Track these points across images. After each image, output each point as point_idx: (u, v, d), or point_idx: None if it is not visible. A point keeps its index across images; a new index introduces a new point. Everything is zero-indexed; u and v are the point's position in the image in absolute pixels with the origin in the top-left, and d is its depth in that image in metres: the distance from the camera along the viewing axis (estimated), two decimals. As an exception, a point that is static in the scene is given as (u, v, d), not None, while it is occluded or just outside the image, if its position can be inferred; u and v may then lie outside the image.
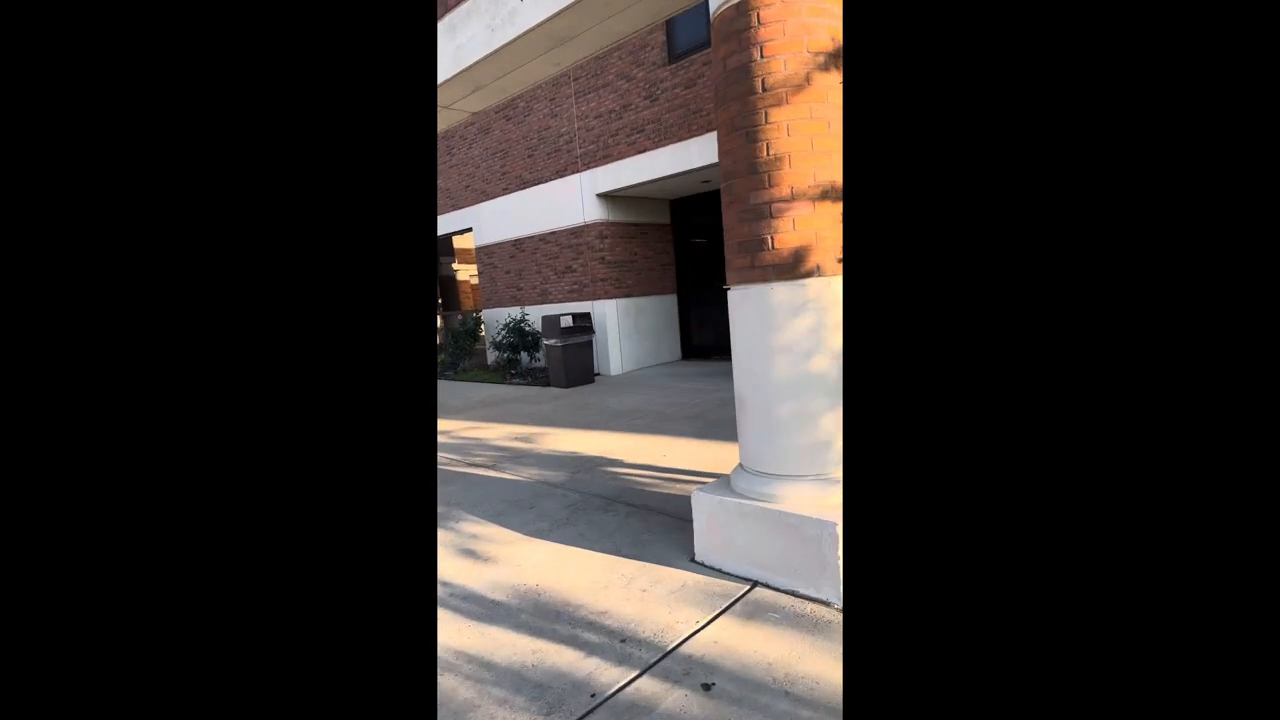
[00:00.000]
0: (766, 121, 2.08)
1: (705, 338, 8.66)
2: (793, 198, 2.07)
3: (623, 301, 8.09)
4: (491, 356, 9.44)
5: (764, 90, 2.07)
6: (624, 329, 8.10)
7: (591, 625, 2.04)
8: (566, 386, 7.14)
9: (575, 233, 8.16)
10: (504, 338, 8.51)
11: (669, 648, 1.86)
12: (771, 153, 2.08)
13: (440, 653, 1.96)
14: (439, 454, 4.61)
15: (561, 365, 7.15)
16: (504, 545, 2.78)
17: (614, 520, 2.92)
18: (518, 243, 9.11)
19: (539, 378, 7.88)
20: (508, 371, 8.50)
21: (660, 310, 8.61)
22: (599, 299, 7.95)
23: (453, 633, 2.06)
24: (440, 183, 10.51)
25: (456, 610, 2.23)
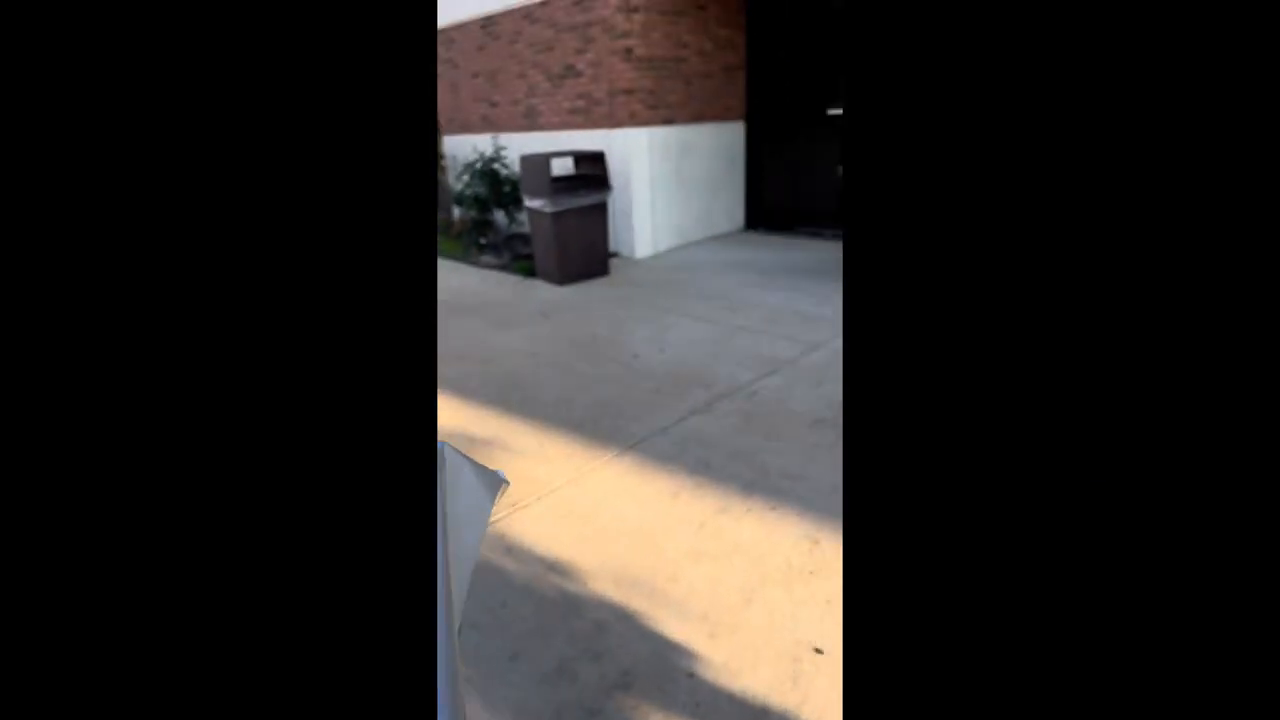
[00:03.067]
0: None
1: (779, 196, 5.52)
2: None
3: (659, 131, 4.86)
4: (457, 212, 6.32)
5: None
6: (659, 179, 4.95)
7: None
8: (561, 282, 4.23)
9: (582, 3, 4.70)
10: (468, 187, 5.41)
11: None
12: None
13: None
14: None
15: (553, 245, 4.17)
16: None
17: None
18: (488, 23, 5.60)
19: (520, 255, 4.93)
20: (474, 239, 5.52)
21: (718, 147, 5.37)
22: (620, 126, 4.70)
23: None
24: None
25: None
